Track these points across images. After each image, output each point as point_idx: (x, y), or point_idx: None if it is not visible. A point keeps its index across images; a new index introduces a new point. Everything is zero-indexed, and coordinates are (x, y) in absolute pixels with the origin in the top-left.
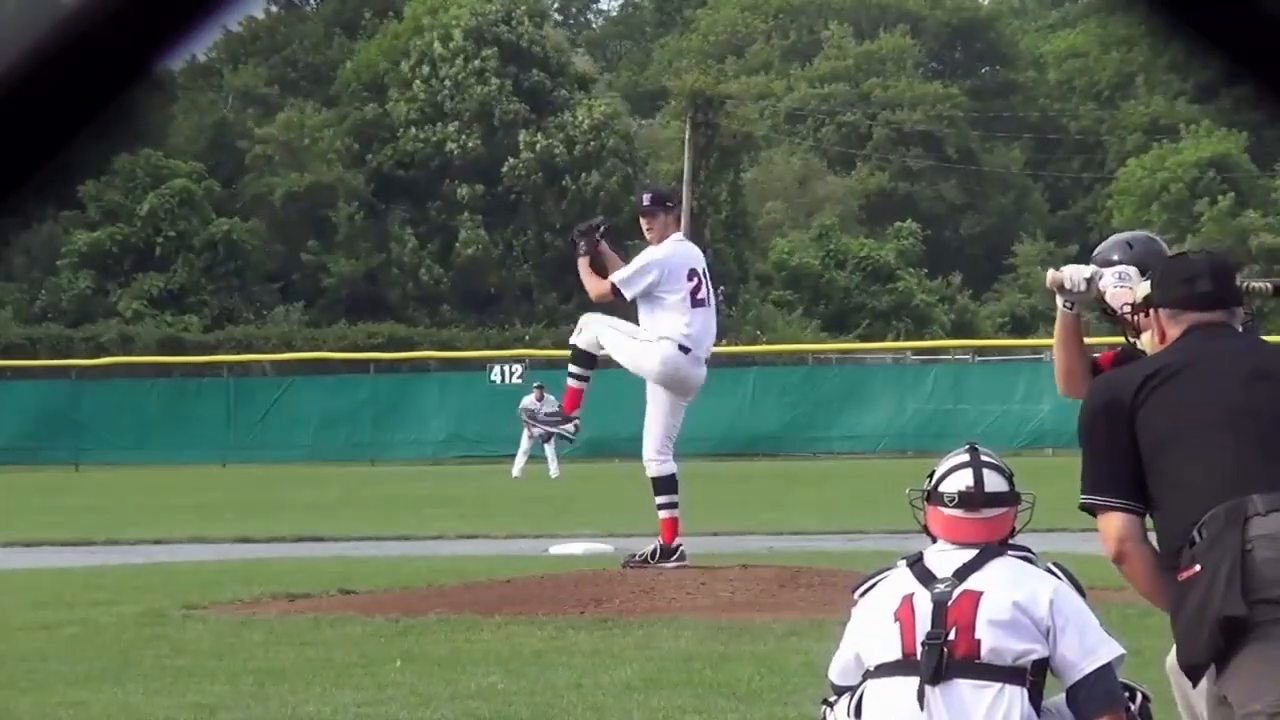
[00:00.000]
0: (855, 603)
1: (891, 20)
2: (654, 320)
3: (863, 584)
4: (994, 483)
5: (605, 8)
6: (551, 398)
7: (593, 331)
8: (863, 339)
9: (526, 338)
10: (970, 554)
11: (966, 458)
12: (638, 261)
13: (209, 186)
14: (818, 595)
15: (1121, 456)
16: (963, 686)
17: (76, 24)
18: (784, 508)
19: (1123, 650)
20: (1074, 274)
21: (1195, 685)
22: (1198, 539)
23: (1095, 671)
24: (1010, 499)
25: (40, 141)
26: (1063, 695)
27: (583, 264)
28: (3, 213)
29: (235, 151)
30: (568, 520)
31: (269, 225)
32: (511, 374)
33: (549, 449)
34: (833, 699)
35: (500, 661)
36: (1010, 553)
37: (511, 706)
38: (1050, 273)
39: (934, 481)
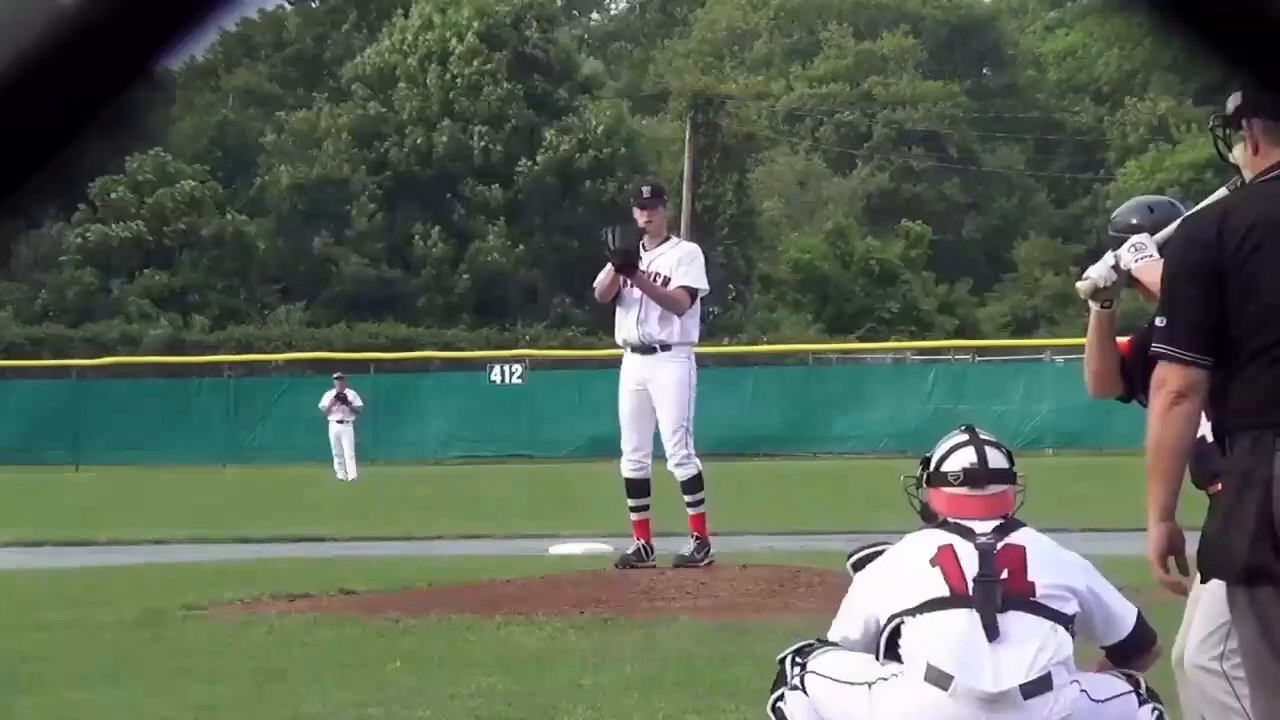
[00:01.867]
0: (851, 572)
1: (891, 20)
2: (675, 326)
3: (858, 553)
4: (996, 459)
5: (607, 5)
6: (352, 391)
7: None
8: (863, 339)
9: (527, 338)
10: (996, 522)
11: (966, 437)
12: (693, 260)
13: (213, 187)
14: (818, 595)
15: (1210, 310)
16: (1021, 618)
17: (76, 24)
18: (784, 508)
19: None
20: (1100, 272)
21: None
22: (1230, 452)
23: (1135, 626)
24: (1011, 476)
25: (40, 142)
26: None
27: (642, 282)
28: (3, 213)
29: (237, 150)
30: (568, 520)
31: (274, 220)
32: (511, 374)
33: (346, 446)
34: (791, 653)
35: (500, 661)
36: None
37: (511, 706)
38: (1079, 285)
39: (935, 463)
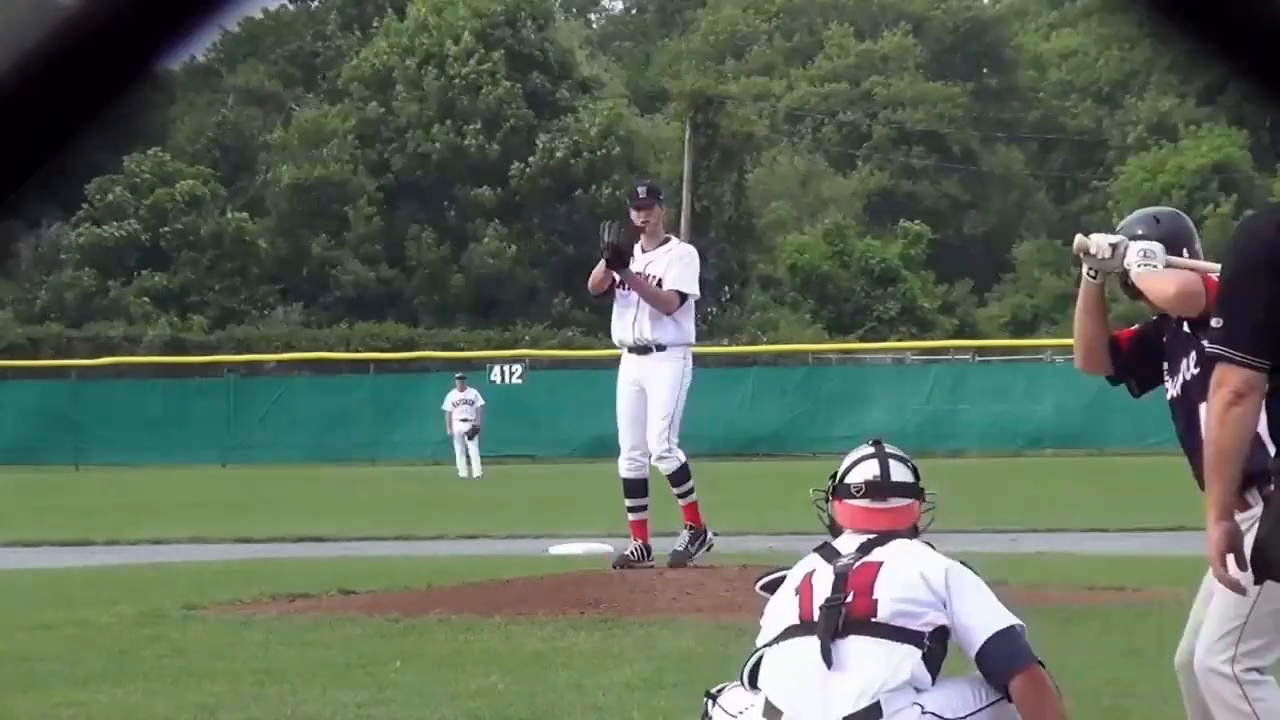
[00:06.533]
0: (760, 594)
1: (892, 20)
2: (670, 327)
3: (764, 577)
4: (899, 473)
5: (608, 6)
6: (473, 390)
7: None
8: (863, 339)
9: (527, 338)
10: (873, 535)
11: (871, 450)
12: (687, 262)
13: (214, 189)
14: None
15: (1271, 311)
16: (859, 642)
17: (77, 24)
18: (784, 508)
19: (1020, 622)
20: (1100, 240)
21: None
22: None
23: (996, 634)
24: (915, 490)
25: (41, 142)
26: (968, 675)
27: (632, 278)
28: (3, 213)
29: (238, 150)
30: (568, 520)
31: (274, 219)
32: (511, 374)
33: (471, 446)
34: (714, 690)
35: (500, 661)
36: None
37: (511, 706)
38: (1078, 237)
39: (840, 475)
